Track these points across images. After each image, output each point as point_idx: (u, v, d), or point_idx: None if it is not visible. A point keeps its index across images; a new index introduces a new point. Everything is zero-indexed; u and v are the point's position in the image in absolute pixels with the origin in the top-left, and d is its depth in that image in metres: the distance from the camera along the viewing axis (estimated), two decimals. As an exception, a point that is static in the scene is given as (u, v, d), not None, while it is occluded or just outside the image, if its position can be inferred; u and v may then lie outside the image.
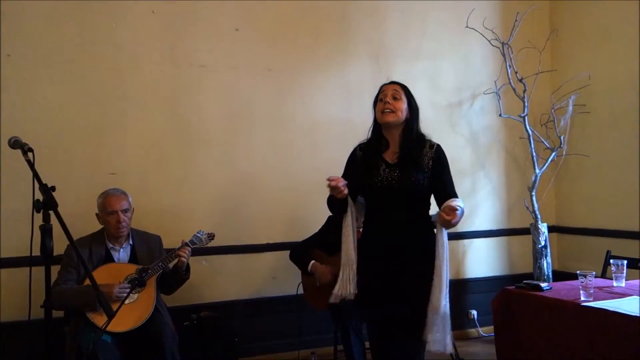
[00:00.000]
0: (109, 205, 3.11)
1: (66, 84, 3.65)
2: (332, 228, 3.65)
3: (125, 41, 3.78)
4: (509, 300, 2.86)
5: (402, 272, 2.57)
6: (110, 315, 2.04)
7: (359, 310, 2.90)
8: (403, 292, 2.56)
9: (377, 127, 2.73)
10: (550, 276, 4.40)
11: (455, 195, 2.64)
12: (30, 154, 2.13)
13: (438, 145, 2.69)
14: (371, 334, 2.75)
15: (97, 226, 3.22)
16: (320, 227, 3.74)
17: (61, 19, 3.64)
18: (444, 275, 2.51)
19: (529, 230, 4.48)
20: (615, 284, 2.83)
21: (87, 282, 2.93)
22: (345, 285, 2.67)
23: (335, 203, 2.65)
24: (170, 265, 3.19)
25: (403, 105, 2.65)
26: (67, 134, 3.64)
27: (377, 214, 2.66)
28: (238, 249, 4.02)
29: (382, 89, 2.72)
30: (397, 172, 2.59)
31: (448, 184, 2.68)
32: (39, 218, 2.08)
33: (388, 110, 2.63)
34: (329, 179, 2.49)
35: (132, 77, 3.80)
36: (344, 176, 2.69)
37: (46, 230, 2.04)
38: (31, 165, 2.12)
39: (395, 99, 2.64)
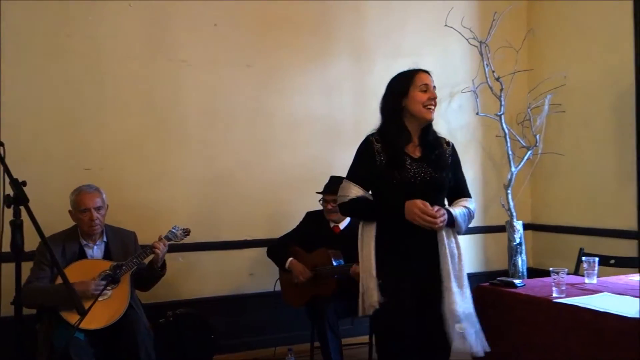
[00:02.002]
0: (81, 203, 3.06)
1: (41, 77, 3.59)
2: (310, 225, 3.67)
3: (102, 35, 3.73)
4: (483, 297, 2.88)
5: (434, 273, 2.39)
6: (82, 312, 2.01)
7: (391, 322, 2.43)
8: (437, 298, 2.37)
9: (398, 116, 2.46)
10: (525, 273, 4.46)
11: (468, 195, 2.56)
12: (0, 148, 2.09)
13: (452, 143, 2.59)
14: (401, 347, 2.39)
15: (71, 222, 3.17)
16: (298, 223, 3.74)
17: (37, 11, 3.58)
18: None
19: (505, 228, 4.53)
20: (587, 280, 2.87)
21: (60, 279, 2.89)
22: (371, 295, 2.38)
23: (392, 218, 2.38)
24: (146, 261, 3.16)
25: None
26: (41, 127, 3.59)
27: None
28: (215, 246, 4.00)
29: (417, 75, 2.45)
30: (427, 169, 2.42)
31: (461, 183, 2.58)
32: (9, 213, 2.04)
33: (433, 107, 2.43)
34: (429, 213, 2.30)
35: (109, 71, 3.75)
36: (358, 168, 2.48)
37: (16, 226, 2.01)
38: (1, 159, 2.08)
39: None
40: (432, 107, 2.44)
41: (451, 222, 2.42)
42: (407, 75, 2.48)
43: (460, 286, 2.40)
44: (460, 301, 2.38)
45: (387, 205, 2.41)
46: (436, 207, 2.37)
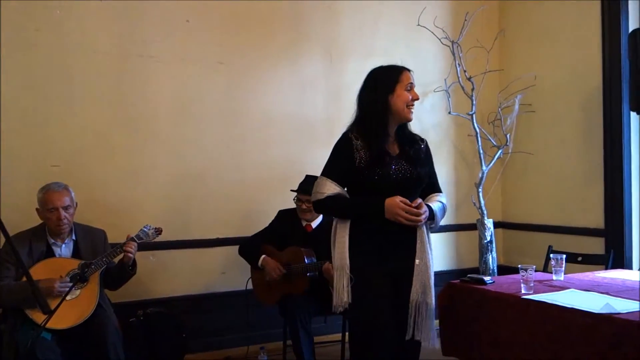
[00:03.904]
0: (49, 202, 3.00)
1: (7, 71, 3.50)
2: (282, 223, 3.66)
3: (71, 29, 3.66)
4: (454, 294, 2.91)
5: (410, 269, 2.41)
6: (48, 312, 1.97)
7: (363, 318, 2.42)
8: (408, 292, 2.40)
9: (382, 112, 2.42)
10: (496, 270, 4.52)
11: (439, 190, 2.59)
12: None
13: (426, 140, 2.60)
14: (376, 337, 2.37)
15: (39, 221, 3.11)
16: (270, 221, 3.72)
17: (4, 4, 3.48)
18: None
19: (476, 226, 4.58)
20: (554, 277, 2.93)
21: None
22: (341, 294, 2.37)
23: (372, 216, 2.37)
24: (115, 260, 3.12)
25: None
26: (6, 123, 3.50)
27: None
28: (187, 244, 3.96)
29: (403, 73, 2.45)
30: (406, 165, 2.42)
31: (434, 178, 2.60)
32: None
33: (413, 108, 2.44)
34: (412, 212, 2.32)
35: (78, 67, 3.68)
36: (335, 165, 2.44)
37: (-21, 224, 1.96)
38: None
39: None
40: (413, 107, 2.46)
41: (431, 217, 2.44)
42: (393, 71, 2.46)
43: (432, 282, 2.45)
44: (434, 297, 2.45)
45: (366, 204, 2.39)
46: (418, 201, 2.39)
